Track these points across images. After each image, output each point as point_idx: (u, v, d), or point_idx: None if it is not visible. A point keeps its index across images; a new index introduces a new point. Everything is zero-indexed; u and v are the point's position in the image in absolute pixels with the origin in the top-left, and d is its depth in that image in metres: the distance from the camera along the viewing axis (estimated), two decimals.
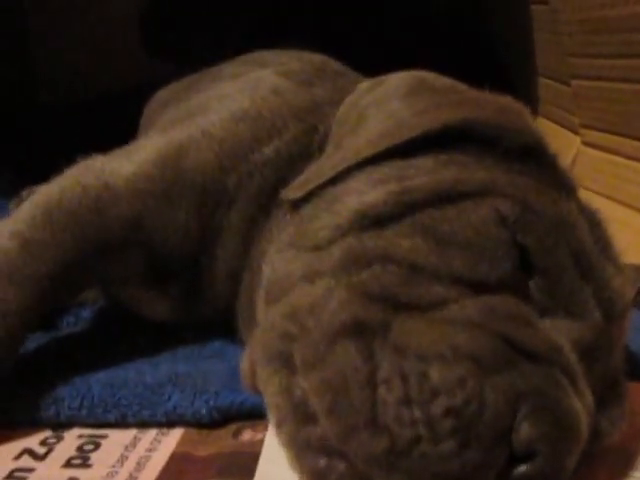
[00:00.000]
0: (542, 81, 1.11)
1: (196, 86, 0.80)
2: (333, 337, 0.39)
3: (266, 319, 0.45)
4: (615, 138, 0.86)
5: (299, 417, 0.38)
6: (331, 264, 0.44)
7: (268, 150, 0.58)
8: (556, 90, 1.02)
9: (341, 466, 0.37)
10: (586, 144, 0.92)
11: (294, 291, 0.44)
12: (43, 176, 0.62)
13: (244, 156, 0.58)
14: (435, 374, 0.37)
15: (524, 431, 0.36)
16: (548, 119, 1.08)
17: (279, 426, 0.39)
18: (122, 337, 0.64)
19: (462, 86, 0.56)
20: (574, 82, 0.93)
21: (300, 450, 0.38)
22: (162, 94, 0.92)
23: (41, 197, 0.58)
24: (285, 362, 0.40)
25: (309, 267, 0.45)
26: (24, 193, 1.09)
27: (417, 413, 0.36)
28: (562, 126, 1.02)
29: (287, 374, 0.40)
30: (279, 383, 0.40)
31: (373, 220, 0.44)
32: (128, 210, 0.57)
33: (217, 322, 0.62)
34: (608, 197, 0.85)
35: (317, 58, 0.75)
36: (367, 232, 0.44)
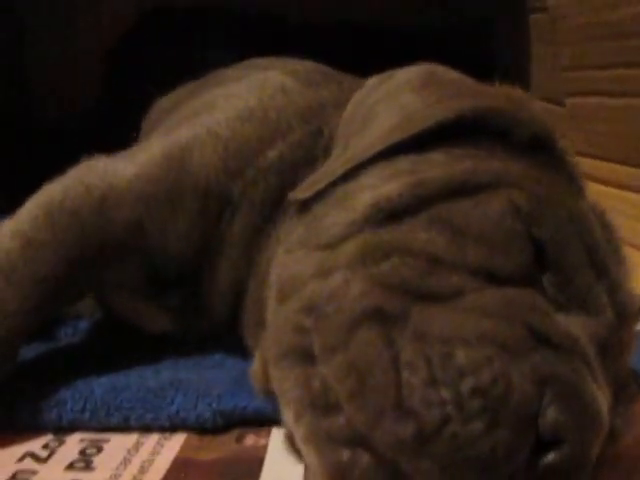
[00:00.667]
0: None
1: (200, 90, 0.80)
2: (354, 322, 0.39)
3: (278, 316, 0.45)
4: (607, 165, 0.85)
5: (319, 408, 0.38)
6: (346, 258, 0.43)
7: (272, 154, 0.58)
8: (549, 112, 1.03)
9: (365, 457, 0.36)
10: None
11: (307, 287, 0.44)
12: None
13: (249, 160, 0.58)
14: (460, 355, 0.37)
15: (550, 416, 0.36)
16: None
17: (297, 420, 0.39)
18: (121, 346, 0.64)
19: (471, 79, 0.56)
20: (570, 100, 0.93)
21: (321, 443, 0.38)
22: (165, 100, 0.92)
23: (43, 196, 0.58)
24: (301, 355, 0.40)
25: (322, 264, 0.45)
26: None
27: (444, 393, 0.36)
28: None
29: (304, 366, 0.39)
30: (296, 377, 0.39)
31: (388, 214, 0.44)
32: (130, 212, 0.57)
33: (217, 334, 0.62)
34: None
35: (320, 65, 0.75)
36: (383, 226, 0.44)
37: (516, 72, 1.17)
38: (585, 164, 0.89)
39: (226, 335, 0.61)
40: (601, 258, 0.45)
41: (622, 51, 0.78)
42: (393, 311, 0.39)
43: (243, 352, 0.60)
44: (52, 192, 0.58)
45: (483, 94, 0.52)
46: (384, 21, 1.40)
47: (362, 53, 1.32)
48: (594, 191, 0.85)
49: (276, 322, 0.44)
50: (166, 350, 0.63)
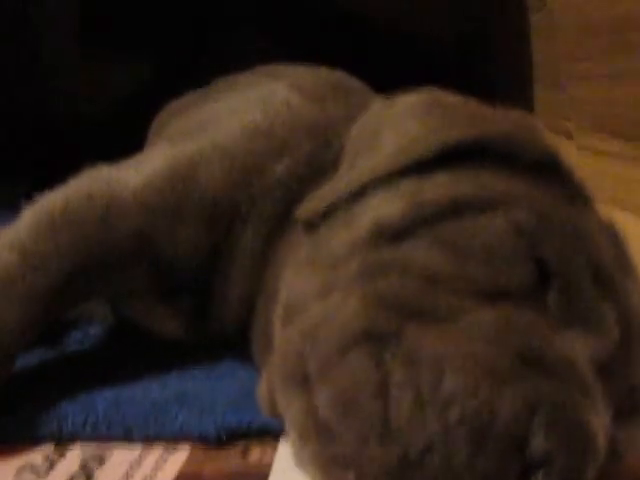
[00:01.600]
0: (537, 89, 1.11)
1: (207, 97, 0.79)
2: (344, 346, 0.38)
3: (281, 341, 0.44)
4: (613, 142, 0.85)
5: (324, 437, 0.37)
6: (346, 277, 0.43)
7: (280, 167, 0.57)
8: (551, 96, 1.03)
9: None
10: (583, 148, 0.92)
11: (309, 309, 0.43)
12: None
13: (256, 173, 0.57)
14: (448, 381, 0.36)
15: (539, 442, 0.36)
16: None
17: (302, 447, 0.38)
18: (129, 354, 0.63)
19: (474, 103, 0.56)
20: (570, 86, 0.93)
21: (326, 466, 0.37)
22: (173, 105, 0.91)
23: (45, 206, 0.57)
24: (302, 382, 0.39)
25: (324, 284, 0.44)
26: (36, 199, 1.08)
27: (431, 421, 0.35)
28: (557, 133, 1.02)
29: (307, 394, 0.39)
30: (300, 404, 0.39)
31: (390, 234, 0.44)
32: (135, 224, 0.56)
33: (227, 343, 0.61)
34: (611, 204, 0.84)
35: (333, 74, 0.74)
36: (384, 246, 0.44)
37: (517, 68, 1.18)
38: (589, 140, 0.90)
39: (236, 344, 0.60)
40: (607, 275, 0.44)
41: (621, 45, 0.78)
42: (384, 330, 0.38)
43: (252, 362, 0.59)
44: (54, 202, 0.57)
45: (485, 120, 0.51)
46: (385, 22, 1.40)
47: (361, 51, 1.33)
48: (605, 165, 0.87)
49: (280, 346, 0.43)
50: (173, 358, 0.62)
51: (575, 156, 0.92)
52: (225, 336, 0.61)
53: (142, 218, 0.56)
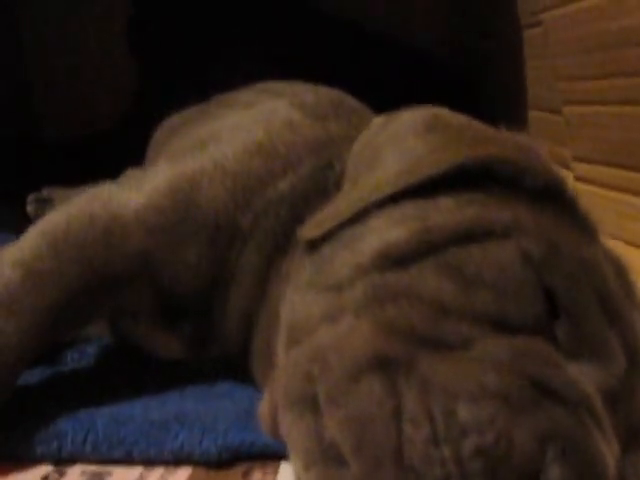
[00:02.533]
0: (531, 113, 1.11)
1: (208, 113, 0.79)
2: (356, 372, 0.38)
3: (287, 362, 0.43)
4: (610, 170, 0.84)
5: (329, 460, 0.37)
6: (354, 302, 0.43)
7: (283, 186, 0.57)
8: (546, 121, 1.02)
9: None
10: (579, 179, 0.91)
11: (316, 332, 0.43)
12: None
13: (258, 192, 0.57)
14: (464, 412, 0.36)
15: (553, 474, 0.35)
16: None
17: (307, 470, 0.38)
18: (127, 373, 0.62)
19: (478, 123, 0.56)
20: (567, 109, 0.92)
21: None
22: (173, 120, 0.91)
23: (47, 226, 0.57)
24: (310, 404, 0.39)
25: (330, 306, 0.44)
26: (44, 192, 1.08)
27: (446, 452, 0.35)
28: (553, 160, 1.02)
29: (313, 416, 0.38)
30: (306, 427, 0.38)
31: (396, 259, 0.44)
32: (137, 244, 0.56)
33: (227, 363, 0.61)
34: (608, 235, 0.84)
35: (333, 93, 0.75)
36: (390, 271, 0.43)
37: (511, 88, 1.18)
38: (586, 170, 0.89)
39: (236, 364, 0.59)
40: (613, 304, 0.44)
41: (616, 61, 0.79)
42: (397, 358, 0.38)
43: (253, 382, 0.59)
44: (57, 221, 0.56)
45: (490, 141, 0.51)
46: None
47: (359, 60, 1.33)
48: (600, 196, 0.86)
49: (285, 368, 0.43)
50: (173, 378, 0.61)
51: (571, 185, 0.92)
52: (223, 356, 0.60)
53: (143, 238, 0.56)
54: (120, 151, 1.34)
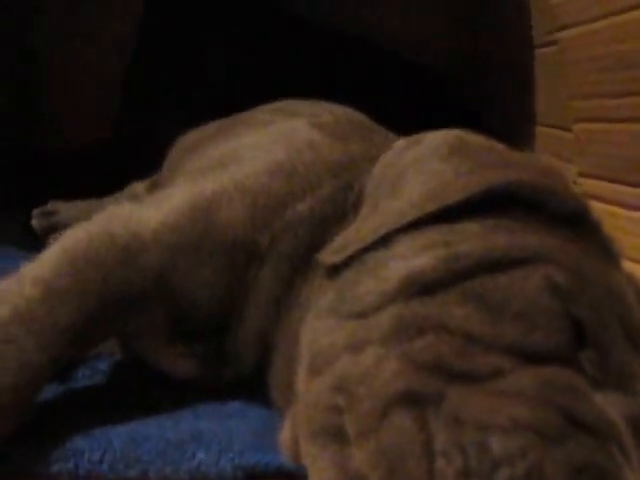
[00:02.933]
0: (540, 129, 1.12)
1: (226, 131, 0.79)
2: (386, 406, 0.38)
3: (310, 392, 0.44)
4: (615, 187, 0.85)
5: None
6: (380, 332, 0.43)
7: (302, 207, 0.57)
8: (555, 138, 1.03)
9: None
10: (584, 195, 0.91)
11: (339, 361, 0.43)
12: None
13: (277, 213, 0.57)
14: (495, 444, 0.36)
15: None
16: None
17: None
18: (140, 391, 0.62)
19: (500, 146, 0.56)
20: (577, 126, 0.93)
21: None
22: (189, 138, 0.91)
23: (68, 243, 0.57)
24: (335, 435, 0.39)
25: (354, 336, 0.44)
26: (49, 205, 1.08)
27: None
28: None
29: (339, 447, 0.38)
30: (330, 457, 0.38)
31: (421, 287, 0.44)
32: (155, 262, 0.56)
33: (240, 381, 0.61)
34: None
35: (349, 112, 0.75)
36: (416, 299, 0.43)
37: (520, 104, 1.19)
38: (592, 186, 0.90)
39: (248, 383, 0.60)
40: (637, 332, 0.44)
41: (631, 81, 0.80)
42: (427, 392, 0.39)
43: (265, 400, 0.59)
44: (76, 239, 0.57)
45: (515, 165, 0.51)
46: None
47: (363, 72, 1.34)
48: (605, 212, 0.87)
49: (307, 397, 0.43)
50: (186, 396, 0.61)
51: None
52: (237, 376, 0.60)
53: (162, 257, 0.56)
54: (119, 160, 1.35)
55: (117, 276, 0.55)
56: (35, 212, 1.09)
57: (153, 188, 1.06)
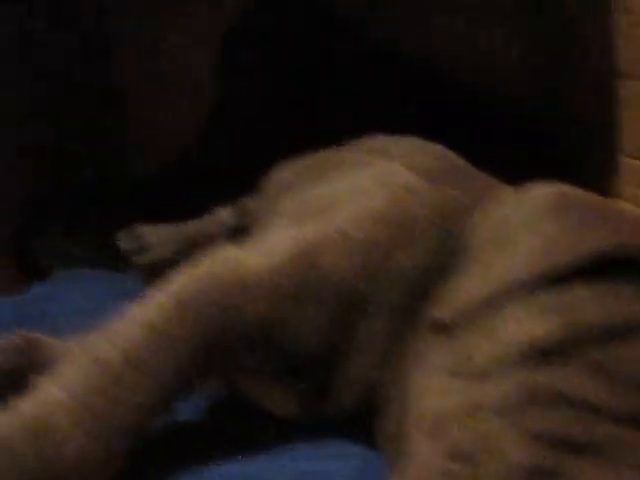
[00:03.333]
0: (628, 161, 1.10)
1: (320, 171, 0.79)
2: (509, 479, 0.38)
3: (421, 454, 0.43)
4: None
5: None
6: (499, 400, 0.42)
7: (404, 257, 0.57)
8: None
9: None
10: None
11: (454, 426, 0.43)
12: None
13: (380, 262, 0.57)
14: None
15: None
16: (629, 201, 1.07)
17: None
18: (239, 428, 0.63)
19: (609, 202, 0.55)
20: None
21: None
22: (282, 175, 0.92)
23: (173, 287, 0.57)
24: None
25: (470, 400, 0.44)
26: (135, 229, 1.10)
27: None
28: None
29: None
30: None
31: (540, 356, 0.43)
32: (260, 307, 0.56)
33: (339, 420, 0.61)
34: None
35: (440, 150, 0.74)
36: (535, 367, 0.43)
37: (602, 132, 1.17)
38: None
39: (350, 422, 0.59)
40: None
41: None
42: (549, 466, 0.38)
43: (366, 440, 0.58)
44: (182, 283, 0.57)
45: (627, 225, 0.51)
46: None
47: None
48: None
49: (419, 460, 0.43)
50: (285, 434, 0.61)
51: None
52: (341, 416, 0.60)
53: (267, 301, 0.56)
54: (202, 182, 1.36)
55: (222, 320, 0.55)
56: (121, 234, 1.11)
57: (241, 217, 1.07)
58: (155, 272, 1.13)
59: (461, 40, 1.44)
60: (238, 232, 1.10)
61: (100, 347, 0.53)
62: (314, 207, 0.65)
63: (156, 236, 1.11)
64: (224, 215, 1.11)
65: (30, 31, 1.33)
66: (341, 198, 0.64)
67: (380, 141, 0.84)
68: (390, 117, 0.95)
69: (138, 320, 0.55)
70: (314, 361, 0.58)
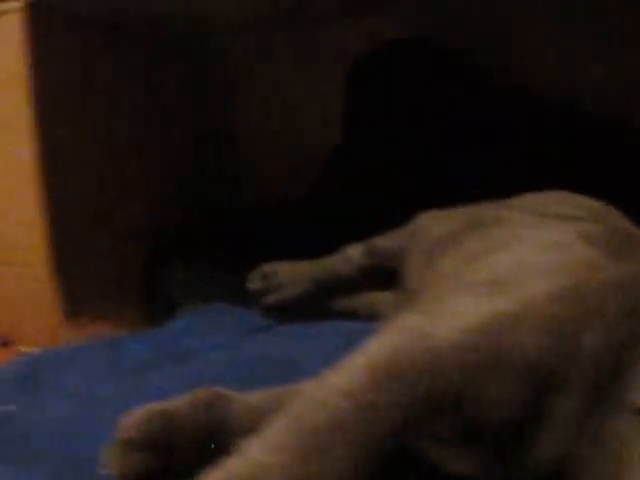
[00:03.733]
0: None
1: (480, 231, 0.80)
2: None
3: None
4: None
5: None
6: None
7: (592, 335, 0.56)
8: None
9: None
10: None
11: None
12: None
13: (567, 341, 0.56)
14: None
15: None
16: None
17: None
18: None
19: None
20: None
21: None
22: (434, 228, 0.91)
23: (363, 359, 0.58)
24: None
25: None
26: (265, 268, 1.12)
27: None
28: None
29: None
30: None
31: None
32: (453, 379, 0.56)
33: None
34: None
35: (601, 210, 0.74)
36: None
37: None
38: None
39: None
40: None
41: None
42: None
43: None
44: (372, 353, 0.57)
45: None
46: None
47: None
48: None
49: None
50: None
51: None
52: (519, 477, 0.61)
53: (459, 373, 0.56)
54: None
55: (418, 391, 0.56)
56: (252, 275, 1.13)
57: (372, 256, 1.08)
58: (285, 310, 1.16)
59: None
60: (368, 271, 1.11)
61: (305, 412, 0.54)
62: (490, 278, 0.65)
63: (285, 275, 1.13)
64: (354, 254, 1.11)
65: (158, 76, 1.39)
66: (518, 271, 0.64)
67: (540, 197, 0.83)
68: (530, 167, 0.94)
69: (336, 389, 0.55)
70: (500, 430, 0.58)
